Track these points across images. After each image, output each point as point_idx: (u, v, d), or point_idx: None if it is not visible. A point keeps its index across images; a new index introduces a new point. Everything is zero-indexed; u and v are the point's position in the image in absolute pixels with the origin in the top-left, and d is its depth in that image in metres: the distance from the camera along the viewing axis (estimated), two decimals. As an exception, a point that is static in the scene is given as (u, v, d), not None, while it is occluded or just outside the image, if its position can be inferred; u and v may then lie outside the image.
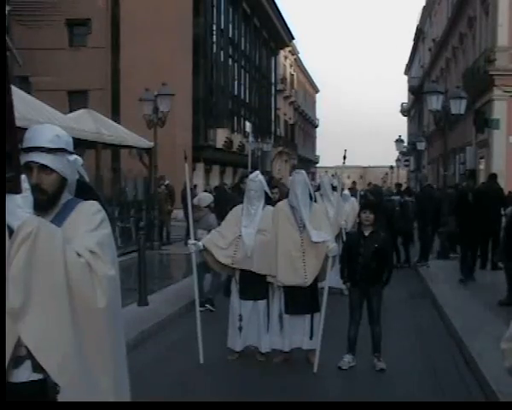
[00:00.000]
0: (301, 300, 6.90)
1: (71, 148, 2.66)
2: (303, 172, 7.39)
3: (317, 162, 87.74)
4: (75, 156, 2.66)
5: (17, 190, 2.27)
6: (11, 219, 2.25)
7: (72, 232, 2.46)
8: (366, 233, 6.92)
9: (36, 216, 2.32)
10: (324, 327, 6.91)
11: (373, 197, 14.69)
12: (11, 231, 2.25)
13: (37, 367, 2.32)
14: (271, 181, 16.74)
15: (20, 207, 2.27)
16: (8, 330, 2.24)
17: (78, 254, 2.35)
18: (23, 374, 2.38)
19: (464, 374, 6.85)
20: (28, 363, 2.35)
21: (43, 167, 2.52)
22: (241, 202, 7.40)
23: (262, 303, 7.13)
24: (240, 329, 7.09)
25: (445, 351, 7.85)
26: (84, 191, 2.73)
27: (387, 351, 7.19)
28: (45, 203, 2.52)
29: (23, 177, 2.31)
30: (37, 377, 2.36)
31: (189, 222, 7.12)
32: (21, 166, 2.37)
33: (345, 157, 7.17)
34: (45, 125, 2.70)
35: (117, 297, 2.52)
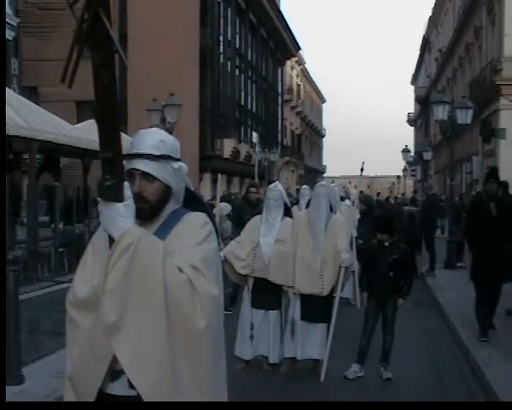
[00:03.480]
0: (317, 309, 6.92)
1: (177, 154, 2.46)
2: (321, 186, 7.41)
3: (323, 172, 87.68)
4: (180, 163, 2.46)
5: (119, 198, 2.16)
6: (112, 229, 2.16)
7: (177, 245, 2.30)
8: (386, 244, 6.97)
9: (138, 226, 2.19)
10: (331, 337, 6.93)
11: (364, 206, 14.65)
12: (112, 241, 2.17)
13: (132, 384, 2.20)
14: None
15: (121, 216, 2.16)
16: (107, 339, 2.16)
17: (180, 270, 2.20)
18: (118, 388, 2.28)
19: (471, 383, 6.85)
20: (125, 378, 2.22)
21: (146, 175, 2.35)
22: (249, 212, 7.46)
23: (273, 314, 7.13)
24: (251, 337, 7.09)
25: (451, 360, 7.85)
26: (191, 201, 2.54)
27: (394, 360, 7.18)
28: (147, 213, 2.37)
29: (126, 184, 2.19)
30: (132, 393, 2.23)
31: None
32: (124, 173, 2.25)
33: (362, 169, 7.23)
34: (150, 130, 2.53)
35: (219, 318, 2.34)
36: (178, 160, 2.47)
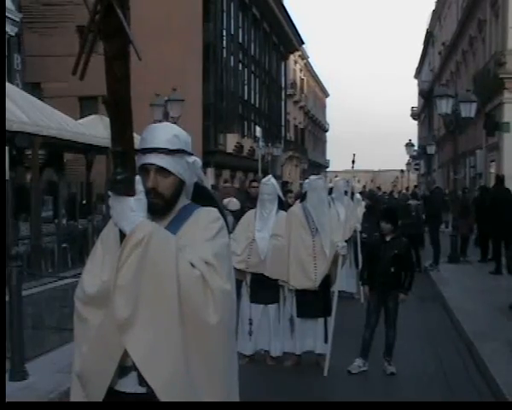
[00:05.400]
0: (313, 303, 6.91)
1: (189, 148, 2.45)
2: (319, 179, 7.40)
3: (327, 166, 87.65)
4: (194, 158, 2.46)
5: (131, 192, 2.12)
6: (124, 224, 2.12)
7: (188, 240, 2.27)
8: (387, 238, 6.95)
9: (149, 221, 2.16)
10: (335, 331, 6.92)
11: (368, 201, 14.71)
12: (123, 236, 2.14)
13: (143, 381, 2.17)
14: (285, 186, 16.83)
15: (133, 210, 2.11)
16: (117, 336, 2.13)
17: (193, 265, 2.18)
18: (128, 385, 2.25)
19: (475, 378, 6.83)
20: (134, 375, 2.21)
21: (161, 170, 2.33)
22: (249, 207, 7.43)
23: (272, 307, 7.13)
24: (250, 333, 7.08)
25: (455, 355, 7.84)
26: (202, 196, 2.53)
27: (398, 354, 7.18)
28: (161, 208, 2.34)
29: (137, 178, 2.16)
30: (141, 390, 2.21)
31: None
32: (136, 167, 2.21)
33: (353, 161, 7.20)
34: (163, 124, 2.51)
35: (232, 313, 2.31)
36: (191, 154, 2.46)
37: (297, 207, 7.34)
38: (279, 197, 7.26)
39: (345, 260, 7.26)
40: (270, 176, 7.62)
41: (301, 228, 7.01)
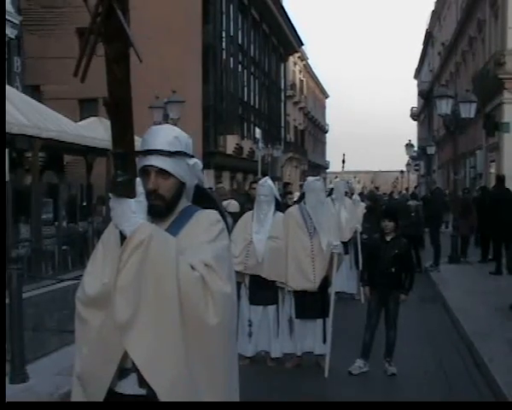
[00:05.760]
0: (312, 305, 6.92)
1: (190, 150, 2.46)
2: (317, 180, 7.43)
3: (327, 168, 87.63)
4: (195, 160, 2.48)
5: (131, 194, 2.12)
6: (124, 225, 2.12)
7: (189, 242, 2.28)
8: (387, 238, 6.96)
9: (149, 223, 2.17)
10: (335, 332, 6.93)
11: (369, 202, 14.73)
12: (123, 238, 2.14)
13: (142, 383, 2.17)
14: (286, 187, 16.81)
15: (133, 212, 2.11)
16: (117, 338, 2.13)
17: (192, 267, 2.18)
18: (127, 386, 2.26)
19: (475, 378, 6.84)
20: (134, 376, 2.20)
21: (162, 172, 2.34)
22: (250, 208, 7.44)
23: (272, 309, 7.13)
24: (250, 335, 7.08)
25: (455, 355, 7.84)
26: (203, 198, 2.54)
27: (398, 355, 7.18)
28: (162, 210, 2.35)
29: (138, 180, 2.16)
30: (141, 392, 2.20)
31: None
32: (137, 169, 2.22)
33: (343, 161, 7.20)
34: (163, 127, 2.55)
35: (232, 315, 2.31)
36: (192, 156, 2.46)
37: (294, 208, 7.37)
38: (276, 199, 7.26)
39: (341, 261, 7.27)
40: (266, 177, 7.63)
41: (298, 229, 7.02)
